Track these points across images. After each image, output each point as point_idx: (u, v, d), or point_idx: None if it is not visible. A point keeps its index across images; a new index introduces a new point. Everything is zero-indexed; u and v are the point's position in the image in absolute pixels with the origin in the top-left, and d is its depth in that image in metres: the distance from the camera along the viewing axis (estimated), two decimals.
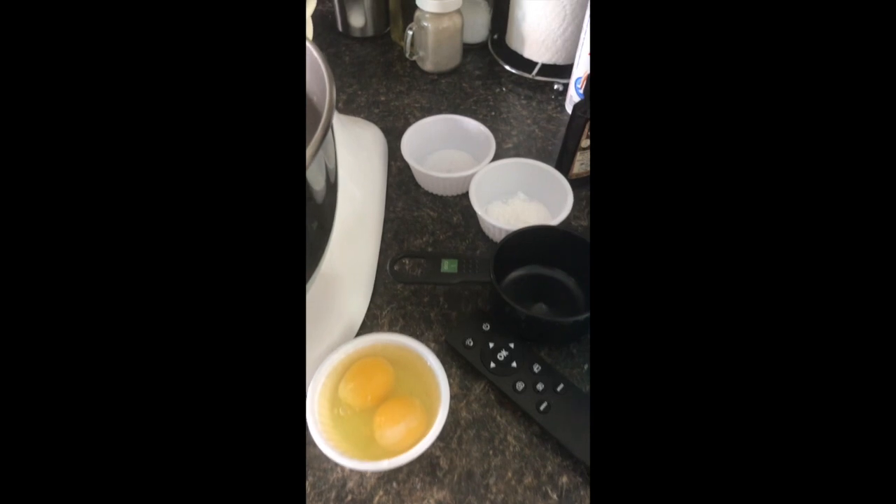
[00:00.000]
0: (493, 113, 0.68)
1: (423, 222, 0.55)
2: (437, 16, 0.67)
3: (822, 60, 0.20)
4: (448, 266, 0.45)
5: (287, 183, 0.21)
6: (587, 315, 0.42)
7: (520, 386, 0.42)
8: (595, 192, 0.23)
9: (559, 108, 0.69)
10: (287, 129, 0.22)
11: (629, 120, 0.22)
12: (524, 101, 0.70)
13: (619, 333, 0.22)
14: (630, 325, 0.21)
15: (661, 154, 0.22)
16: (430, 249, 0.53)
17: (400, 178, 0.60)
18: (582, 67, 0.63)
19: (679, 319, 0.21)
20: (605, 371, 0.22)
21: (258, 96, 0.21)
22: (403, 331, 0.47)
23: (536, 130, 0.66)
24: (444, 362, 0.45)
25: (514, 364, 0.43)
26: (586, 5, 0.62)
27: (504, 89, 0.72)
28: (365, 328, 0.47)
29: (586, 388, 0.43)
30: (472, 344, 0.44)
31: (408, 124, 0.66)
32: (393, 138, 0.64)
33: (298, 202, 0.22)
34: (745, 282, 0.21)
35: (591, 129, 0.53)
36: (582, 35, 0.62)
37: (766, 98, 0.21)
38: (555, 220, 0.50)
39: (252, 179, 0.21)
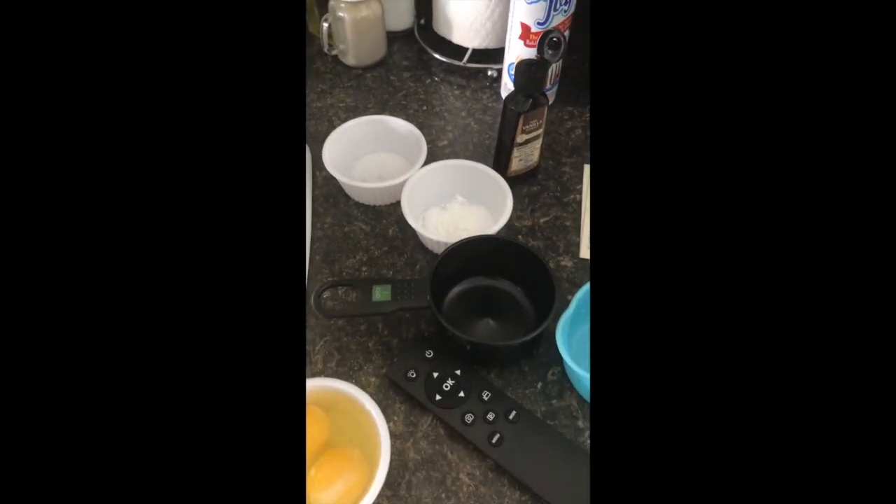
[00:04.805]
0: (424, 108, 0.63)
1: (356, 238, 0.51)
2: (354, 4, 0.61)
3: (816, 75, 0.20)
4: (380, 294, 0.40)
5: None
6: (536, 332, 0.38)
7: (469, 418, 0.38)
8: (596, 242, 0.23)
9: (494, 97, 0.64)
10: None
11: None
12: (457, 92, 0.65)
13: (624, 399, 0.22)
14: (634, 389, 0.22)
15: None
16: (363, 269, 0.48)
17: (327, 188, 0.55)
18: (514, 52, 0.58)
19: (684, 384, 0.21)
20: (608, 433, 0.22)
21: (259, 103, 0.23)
22: (340, 366, 0.42)
23: (472, 123, 0.61)
24: (386, 397, 0.41)
25: (461, 394, 0.39)
26: None
27: (435, 79, 0.67)
28: None
29: (541, 410, 0.40)
30: (414, 376, 0.40)
31: (332, 128, 0.60)
32: (316, 144, 0.58)
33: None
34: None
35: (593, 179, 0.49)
36: (510, 17, 0.57)
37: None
38: (496, 225, 0.47)
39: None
